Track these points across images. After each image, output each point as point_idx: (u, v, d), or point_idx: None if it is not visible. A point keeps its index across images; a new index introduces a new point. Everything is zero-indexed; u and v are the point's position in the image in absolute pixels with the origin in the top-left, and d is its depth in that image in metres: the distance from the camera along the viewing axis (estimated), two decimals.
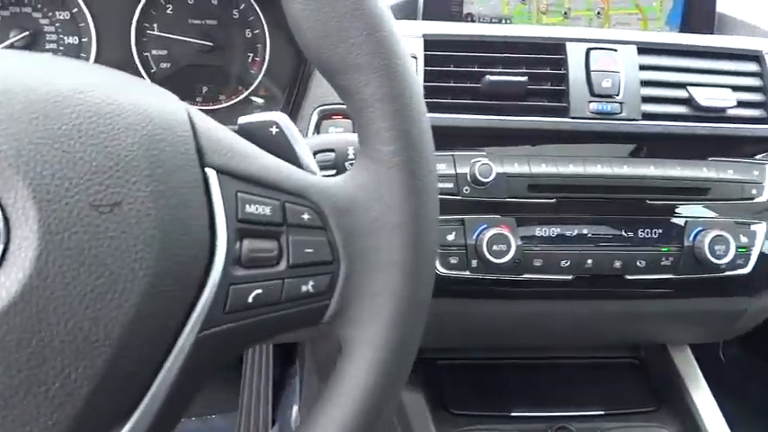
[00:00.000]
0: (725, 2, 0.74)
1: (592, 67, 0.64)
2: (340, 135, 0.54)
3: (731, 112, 0.65)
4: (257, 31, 0.68)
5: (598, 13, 0.73)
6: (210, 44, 0.67)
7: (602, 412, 0.78)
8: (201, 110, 0.36)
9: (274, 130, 0.41)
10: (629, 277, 0.64)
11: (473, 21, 0.72)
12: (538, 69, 0.64)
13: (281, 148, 0.40)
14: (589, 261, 0.63)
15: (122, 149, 0.30)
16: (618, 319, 0.71)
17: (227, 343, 0.33)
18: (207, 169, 0.33)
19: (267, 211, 0.34)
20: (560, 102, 0.64)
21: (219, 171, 0.33)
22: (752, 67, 0.67)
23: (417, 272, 0.37)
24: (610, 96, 0.63)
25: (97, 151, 0.29)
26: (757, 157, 0.67)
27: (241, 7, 0.68)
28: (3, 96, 0.29)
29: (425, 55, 0.62)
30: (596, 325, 0.72)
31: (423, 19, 0.70)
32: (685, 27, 0.74)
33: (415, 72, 0.40)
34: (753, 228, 0.66)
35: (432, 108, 0.61)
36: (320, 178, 0.38)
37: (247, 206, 0.34)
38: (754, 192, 0.66)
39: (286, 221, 0.35)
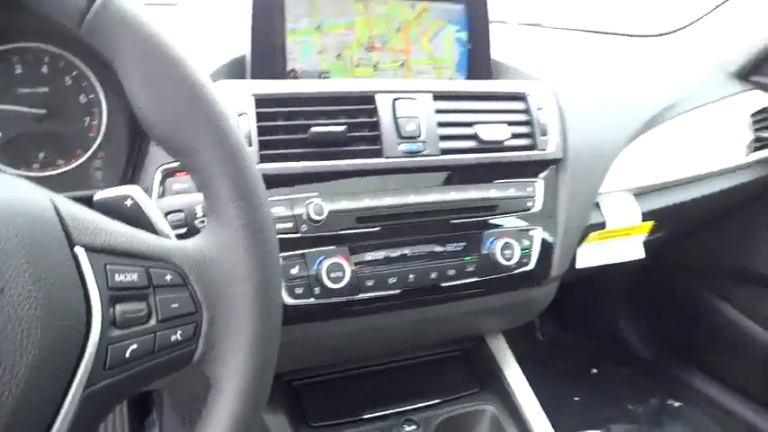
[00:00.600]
0: (499, 52, 0.92)
1: (398, 114, 0.76)
2: (186, 197, 0.61)
3: (507, 143, 0.82)
4: (92, 95, 0.71)
5: (401, 64, 0.87)
6: (43, 112, 0.69)
7: (438, 400, 0.92)
8: (40, 176, 0.42)
9: (129, 202, 0.48)
10: (443, 285, 0.78)
11: (296, 76, 0.82)
12: (355, 119, 0.76)
13: (137, 218, 0.47)
14: (411, 276, 0.76)
15: None
16: (440, 320, 0.85)
17: (109, 396, 0.40)
18: (76, 248, 0.39)
19: (134, 277, 0.41)
20: (375, 145, 0.76)
21: (87, 248, 0.40)
22: (520, 105, 0.85)
23: (267, 310, 0.45)
24: (414, 138, 0.77)
25: None
26: (530, 176, 0.85)
27: (74, 74, 0.71)
28: None
29: (257, 112, 0.71)
30: (424, 327, 0.86)
31: (252, 77, 0.79)
32: (470, 74, 0.90)
33: (247, 145, 0.48)
34: (531, 233, 0.83)
35: (267, 159, 0.71)
36: (177, 242, 0.45)
37: (116, 275, 0.40)
38: (529, 204, 0.83)
39: (152, 284, 0.42)
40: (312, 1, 0.82)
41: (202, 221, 0.59)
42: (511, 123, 0.83)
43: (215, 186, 0.45)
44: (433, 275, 0.77)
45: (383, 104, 0.77)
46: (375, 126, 0.76)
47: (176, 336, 0.42)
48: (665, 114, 1.00)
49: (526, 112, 0.84)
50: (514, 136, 0.82)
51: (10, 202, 0.37)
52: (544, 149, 0.84)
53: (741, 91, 1.15)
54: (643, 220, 0.95)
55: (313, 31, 0.83)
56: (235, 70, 0.80)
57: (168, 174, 0.69)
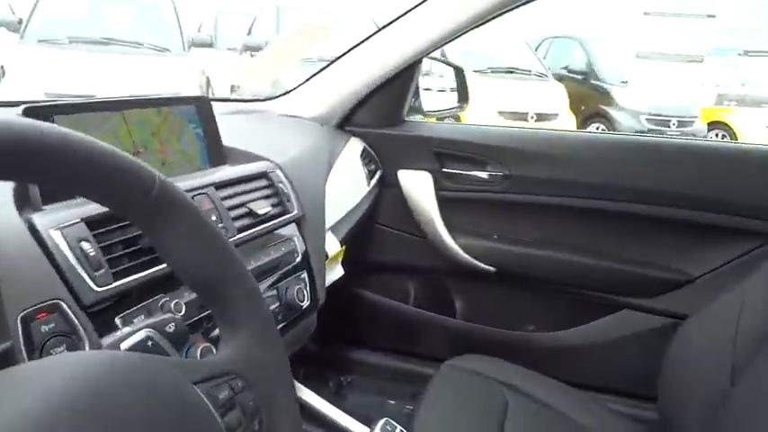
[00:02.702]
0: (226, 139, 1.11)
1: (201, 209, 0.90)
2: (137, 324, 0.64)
3: (270, 213, 1.04)
4: None
5: (163, 163, 0.97)
6: None
7: None
8: None
9: (150, 342, 0.56)
10: None
11: None
12: None
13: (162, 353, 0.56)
14: None
15: None
16: None
17: None
18: (196, 386, 0.49)
19: (226, 393, 0.52)
20: None
21: (196, 383, 0.50)
22: (266, 182, 1.08)
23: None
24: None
25: None
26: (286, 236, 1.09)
27: None
28: None
29: (94, 234, 0.74)
30: None
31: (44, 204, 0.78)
32: (211, 162, 1.07)
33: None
34: (302, 275, 1.08)
35: (118, 276, 0.75)
36: (221, 355, 0.57)
37: (219, 395, 0.51)
38: (295, 255, 1.08)
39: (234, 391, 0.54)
40: (78, 119, 0.86)
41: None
42: (266, 197, 1.05)
43: (233, 308, 0.58)
44: None
45: None
46: None
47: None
48: (330, 163, 1.38)
49: (271, 186, 1.08)
50: (272, 206, 1.05)
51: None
52: (292, 212, 1.09)
53: (348, 138, 1.62)
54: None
55: None
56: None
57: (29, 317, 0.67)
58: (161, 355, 0.64)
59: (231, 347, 0.57)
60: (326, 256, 1.23)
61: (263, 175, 1.08)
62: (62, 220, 0.72)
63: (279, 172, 1.11)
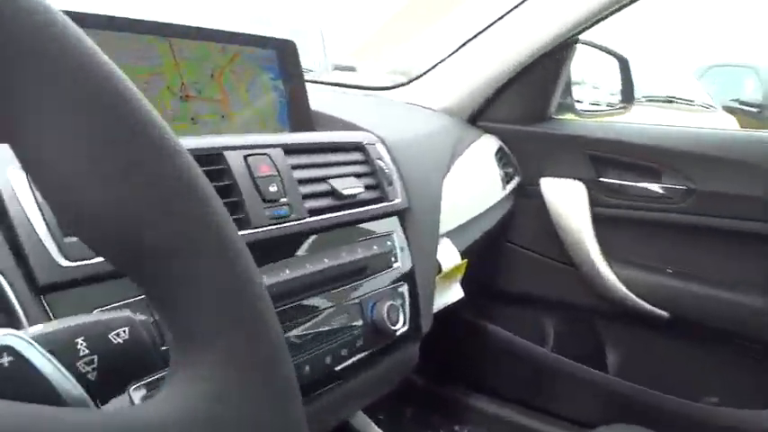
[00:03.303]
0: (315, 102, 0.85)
1: (255, 174, 0.62)
2: (53, 325, 0.36)
3: (360, 197, 0.75)
4: None
5: (222, 116, 0.72)
6: None
7: None
8: None
9: (6, 360, 0.27)
10: (338, 368, 0.66)
11: None
12: None
13: (23, 383, 0.27)
14: (307, 367, 0.62)
15: None
16: (333, 408, 0.71)
17: None
18: None
19: None
20: (237, 213, 0.60)
21: None
22: (360, 156, 0.78)
23: None
24: (277, 200, 0.64)
25: None
26: (383, 231, 0.79)
27: None
28: None
29: None
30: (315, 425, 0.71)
31: None
32: (293, 126, 0.80)
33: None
34: (400, 290, 0.77)
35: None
36: (101, 414, 0.26)
37: None
38: (392, 259, 0.77)
39: None
40: (103, 37, 0.62)
41: (93, 368, 0.36)
42: (357, 175, 0.76)
43: (200, 309, 0.27)
44: (328, 360, 0.64)
45: (235, 163, 0.62)
46: (231, 190, 0.61)
47: None
48: (453, 158, 1.06)
49: (367, 162, 0.79)
50: (366, 188, 0.75)
51: None
52: (393, 200, 0.79)
53: (480, 135, 1.31)
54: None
55: None
56: None
57: None
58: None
59: (175, 393, 0.27)
60: (439, 269, 0.90)
61: (357, 147, 0.79)
62: None
63: (380, 147, 0.82)
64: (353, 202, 0.73)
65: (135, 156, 0.25)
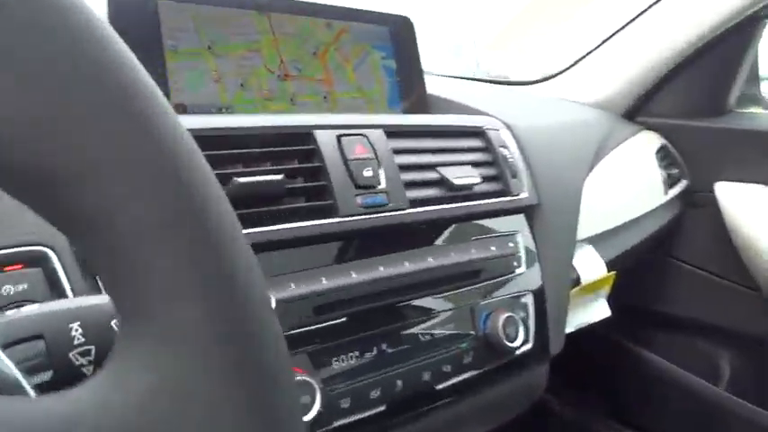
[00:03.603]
0: (432, 84, 0.75)
1: (348, 156, 0.55)
2: (40, 308, 0.31)
3: (477, 188, 0.64)
4: None
5: (325, 97, 0.66)
6: None
7: None
8: None
9: None
10: (439, 387, 0.55)
11: (185, 112, 0.56)
12: (289, 163, 0.52)
13: None
14: (399, 382, 0.52)
15: None
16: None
17: None
18: None
19: None
20: (325, 199, 0.52)
21: None
22: (480, 143, 0.68)
23: None
24: (372, 187, 0.55)
25: None
26: (504, 229, 0.67)
27: None
28: None
29: None
30: None
31: None
32: (405, 109, 0.72)
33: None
34: (523, 300, 0.64)
35: None
36: (44, 403, 0.19)
37: None
38: (515, 264, 0.65)
39: None
40: (196, 11, 0.58)
41: (90, 361, 0.29)
42: (475, 164, 0.65)
43: (153, 271, 0.19)
44: (426, 377, 0.54)
45: (326, 143, 0.54)
46: (319, 173, 0.53)
47: None
48: (599, 155, 0.91)
49: (488, 150, 0.68)
50: (483, 180, 0.64)
51: None
52: (518, 194, 0.67)
53: (637, 131, 1.12)
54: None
55: (203, 52, 0.58)
56: None
57: None
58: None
59: (107, 382, 0.19)
60: (577, 281, 0.76)
61: (475, 132, 0.68)
62: None
63: (505, 133, 0.70)
64: (468, 194, 0.63)
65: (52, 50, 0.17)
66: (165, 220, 0.18)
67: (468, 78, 1.23)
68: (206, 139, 0.49)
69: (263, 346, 0.21)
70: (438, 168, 0.61)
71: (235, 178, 0.47)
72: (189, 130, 0.46)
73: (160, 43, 0.56)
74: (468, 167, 0.64)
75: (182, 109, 0.56)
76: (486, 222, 0.65)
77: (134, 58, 0.19)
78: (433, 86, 0.78)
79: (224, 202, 0.20)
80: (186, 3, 0.57)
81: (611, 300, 0.84)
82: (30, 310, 0.29)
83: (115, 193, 0.18)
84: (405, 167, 0.58)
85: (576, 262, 0.76)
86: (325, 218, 0.52)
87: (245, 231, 0.46)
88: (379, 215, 0.55)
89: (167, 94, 0.55)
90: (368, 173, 0.55)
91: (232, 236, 0.20)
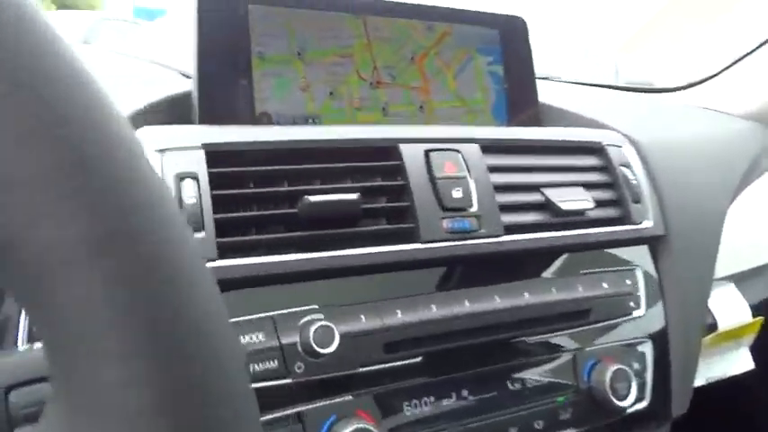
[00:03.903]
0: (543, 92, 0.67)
1: (436, 174, 0.49)
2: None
3: (589, 214, 0.55)
4: None
5: (420, 107, 0.60)
6: None
7: None
8: None
9: None
10: None
11: (270, 122, 0.54)
12: (370, 182, 0.47)
13: None
14: None
15: None
16: None
17: None
18: None
19: None
20: (406, 222, 0.47)
21: None
22: (597, 161, 0.59)
23: None
24: (462, 209, 0.49)
25: None
26: (622, 264, 0.58)
27: None
28: None
29: (211, 173, 0.41)
30: None
31: (200, 122, 0.50)
32: (512, 121, 0.64)
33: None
34: (640, 349, 0.55)
35: (230, 250, 0.40)
36: None
37: None
38: (632, 305, 0.55)
39: None
40: (287, 16, 0.55)
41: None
42: (588, 186, 0.56)
43: (84, 314, 0.15)
44: None
45: (412, 159, 0.49)
46: (402, 192, 0.48)
47: None
48: (749, 177, 0.77)
49: (606, 170, 0.58)
50: (597, 204, 0.55)
51: None
52: (640, 222, 0.57)
53: None
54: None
55: (292, 59, 0.55)
56: (175, 112, 0.51)
57: None
58: None
59: None
60: (713, 326, 0.64)
61: (593, 149, 0.59)
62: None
63: (629, 150, 0.61)
64: (577, 221, 0.54)
65: None
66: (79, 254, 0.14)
67: (589, 84, 1.11)
68: (284, 152, 0.46)
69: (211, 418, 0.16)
70: (542, 190, 0.53)
71: (306, 197, 0.43)
72: (269, 143, 0.43)
73: (248, 50, 0.53)
74: (580, 189, 0.55)
75: (266, 119, 0.54)
76: (599, 255, 0.56)
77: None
78: (548, 94, 0.70)
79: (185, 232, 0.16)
80: (278, 7, 0.55)
81: (755, 350, 0.71)
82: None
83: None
84: (501, 188, 0.51)
85: (712, 304, 0.64)
86: (405, 243, 0.46)
87: (313, 255, 0.42)
88: (467, 242, 0.48)
89: (251, 103, 0.53)
90: (457, 193, 0.49)
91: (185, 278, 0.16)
